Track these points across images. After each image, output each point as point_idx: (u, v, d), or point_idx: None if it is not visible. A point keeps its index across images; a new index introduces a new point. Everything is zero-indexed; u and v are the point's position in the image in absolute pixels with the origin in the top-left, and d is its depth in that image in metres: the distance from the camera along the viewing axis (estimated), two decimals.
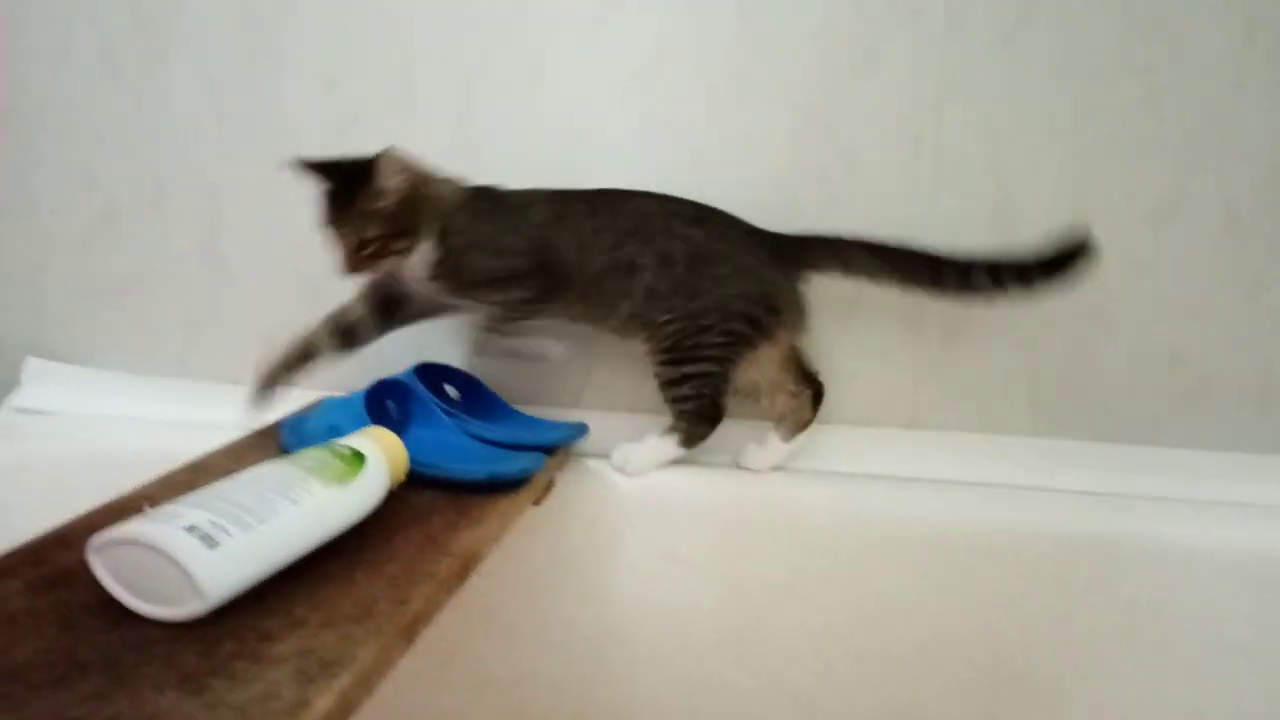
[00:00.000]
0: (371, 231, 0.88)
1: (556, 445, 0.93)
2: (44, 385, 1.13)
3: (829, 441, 1.02)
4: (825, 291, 1.03)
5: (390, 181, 0.87)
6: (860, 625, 0.97)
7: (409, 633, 0.61)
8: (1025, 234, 0.91)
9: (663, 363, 0.95)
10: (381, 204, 0.88)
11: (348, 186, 0.88)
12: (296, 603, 0.62)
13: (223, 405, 0.93)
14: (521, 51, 1.04)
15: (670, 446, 0.97)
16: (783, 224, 1.01)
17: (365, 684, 0.55)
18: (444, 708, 1.03)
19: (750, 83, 1.01)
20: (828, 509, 0.98)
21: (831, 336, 1.04)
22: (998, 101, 0.98)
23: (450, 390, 1.03)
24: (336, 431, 0.79)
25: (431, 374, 1.00)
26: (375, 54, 1.07)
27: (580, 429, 0.97)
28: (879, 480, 1.00)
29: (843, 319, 1.04)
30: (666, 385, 0.96)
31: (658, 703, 1.01)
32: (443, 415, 0.91)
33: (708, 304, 0.92)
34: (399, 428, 0.87)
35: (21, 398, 1.12)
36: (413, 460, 0.78)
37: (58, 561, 0.66)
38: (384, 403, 0.91)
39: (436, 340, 1.06)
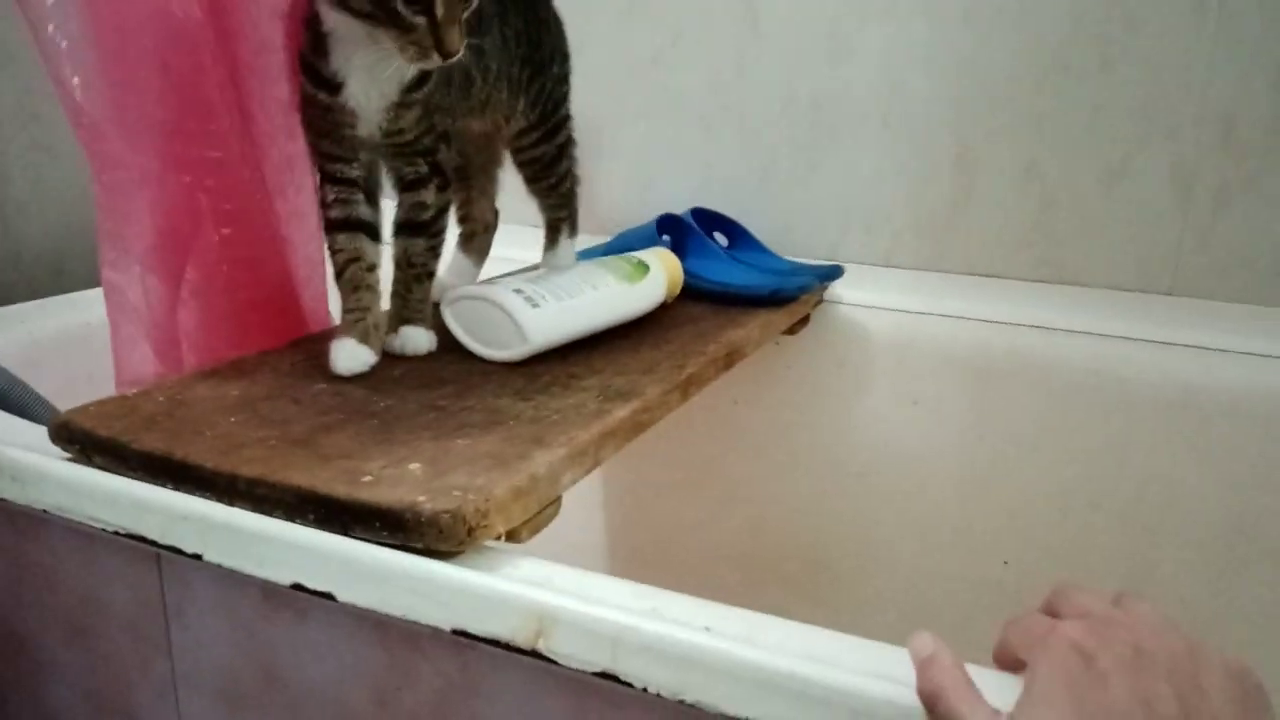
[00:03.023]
0: None
1: (822, 279, 1.02)
2: None
3: (1086, 301, 1.04)
4: (1087, 154, 1.04)
5: None
6: (1101, 479, 1.00)
7: (685, 388, 0.73)
8: None
9: (541, 139, 0.84)
10: None
11: None
12: (595, 359, 0.76)
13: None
14: None
15: (571, 244, 0.90)
16: (1057, 89, 1.03)
17: (649, 412, 0.67)
18: (697, 515, 1.17)
19: None
20: (1079, 366, 1.00)
21: (1095, 199, 1.05)
22: None
23: (719, 236, 1.14)
24: (630, 249, 0.93)
25: (703, 218, 1.11)
26: None
27: (838, 269, 1.05)
28: (1135, 343, 1.01)
29: (1108, 182, 1.04)
30: (547, 168, 0.86)
31: (892, 537, 1.09)
32: (717, 248, 1.02)
33: (550, 50, 0.83)
34: (677, 254, 1.00)
35: None
36: (699, 277, 0.91)
37: None
38: (663, 235, 1.03)
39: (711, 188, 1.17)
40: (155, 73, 0.61)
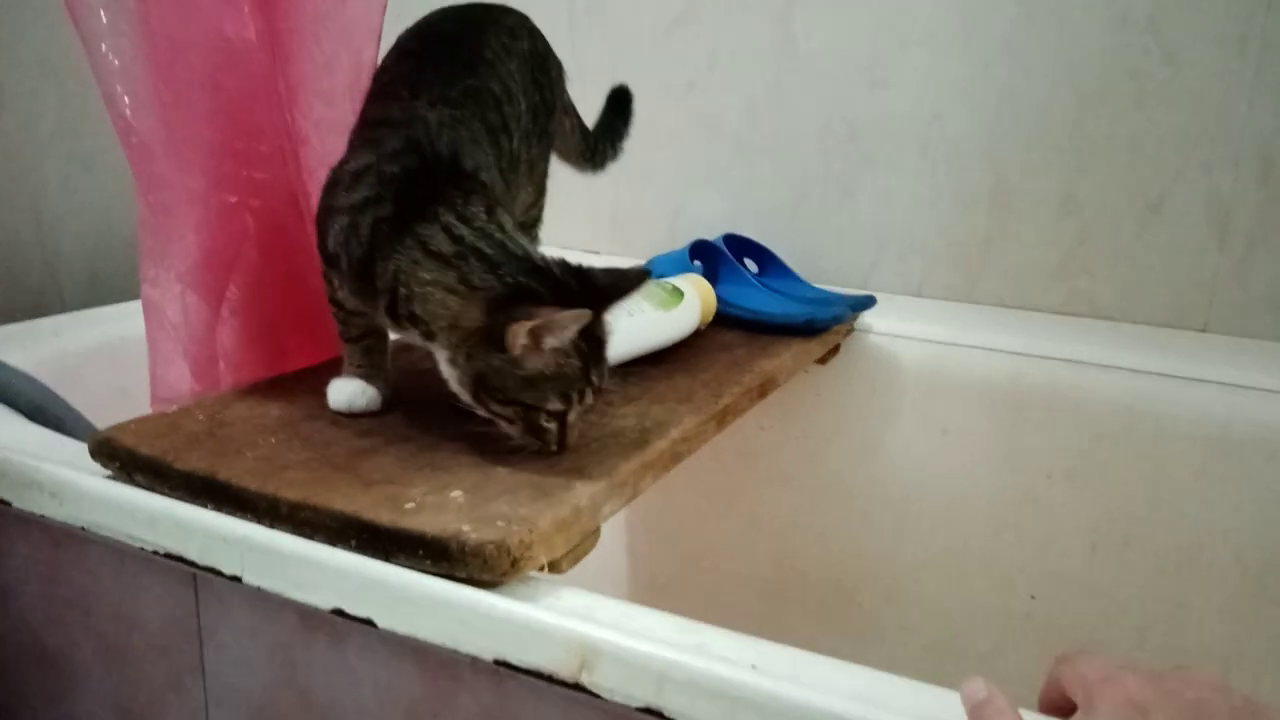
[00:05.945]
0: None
1: (855, 309, 1.02)
2: None
3: (1120, 336, 1.03)
4: (1124, 189, 1.04)
5: None
6: (1132, 514, 0.99)
7: (721, 418, 0.72)
8: None
9: (532, 203, 0.80)
10: None
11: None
12: (632, 387, 0.75)
13: None
14: None
15: None
16: (1095, 122, 1.03)
17: (687, 442, 0.67)
18: (722, 542, 1.16)
19: None
20: (1112, 401, 0.99)
21: (1131, 234, 1.04)
22: None
23: (749, 263, 1.14)
24: (662, 275, 0.93)
25: (734, 244, 1.11)
26: None
27: (870, 299, 1.05)
28: (1167, 379, 1.00)
29: (1145, 217, 1.04)
30: (527, 230, 0.80)
31: (919, 567, 1.08)
32: (748, 274, 1.02)
33: (550, 116, 0.79)
34: (709, 280, 1.00)
35: None
36: (733, 305, 0.90)
37: None
38: (694, 260, 1.03)
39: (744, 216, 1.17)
40: (205, 93, 0.62)
